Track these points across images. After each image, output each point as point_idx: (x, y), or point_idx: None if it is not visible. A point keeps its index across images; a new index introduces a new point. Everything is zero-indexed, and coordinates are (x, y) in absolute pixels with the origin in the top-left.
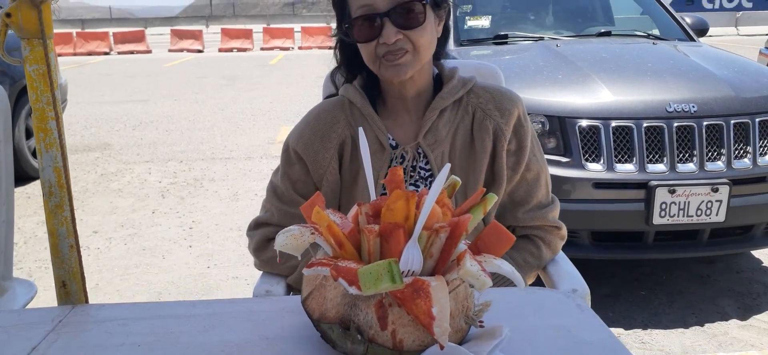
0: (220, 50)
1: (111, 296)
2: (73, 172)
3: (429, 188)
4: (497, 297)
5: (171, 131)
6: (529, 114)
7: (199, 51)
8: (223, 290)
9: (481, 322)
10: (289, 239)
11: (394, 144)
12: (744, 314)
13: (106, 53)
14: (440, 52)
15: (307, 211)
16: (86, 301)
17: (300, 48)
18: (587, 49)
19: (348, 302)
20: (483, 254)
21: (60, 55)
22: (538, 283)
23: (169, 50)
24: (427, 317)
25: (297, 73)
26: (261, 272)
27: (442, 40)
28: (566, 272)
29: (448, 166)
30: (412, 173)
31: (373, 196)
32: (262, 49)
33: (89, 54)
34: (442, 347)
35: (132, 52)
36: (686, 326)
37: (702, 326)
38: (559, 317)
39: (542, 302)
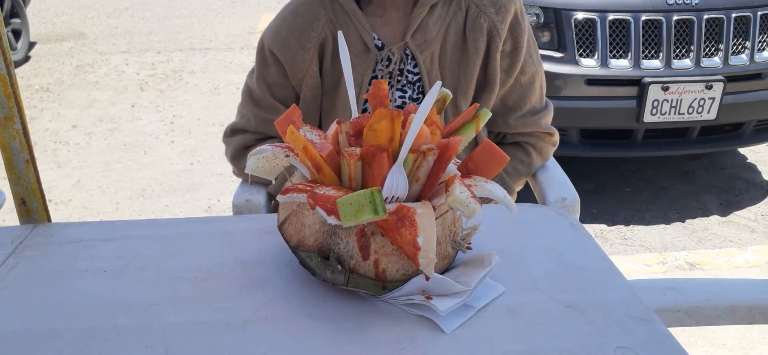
0: None
1: (93, 192)
2: (47, 63)
3: (417, 94)
4: (486, 216)
5: (147, 19)
6: (524, 5)
7: None
8: (208, 187)
9: (469, 245)
10: (261, 162)
11: (379, 44)
12: (725, 210)
13: None
14: None
15: (282, 126)
16: (48, 219)
17: None
18: None
19: (327, 230)
20: (474, 177)
21: None
22: (527, 188)
23: None
24: (412, 247)
25: None
26: (241, 180)
27: None
28: (556, 180)
29: (438, 83)
30: (400, 77)
31: (354, 110)
32: None
33: None
34: (427, 278)
35: None
36: (668, 222)
37: (683, 222)
38: (550, 238)
39: (533, 221)
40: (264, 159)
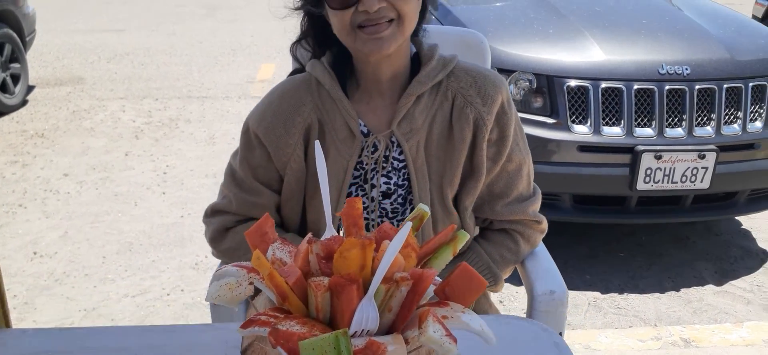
0: None
1: (80, 244)
2: (43, 108)
3: (403, 180)
4: (465, 334)
5: (147, 65)
6: (517, 71)
7: None
8: (196, 242)
9: None
10: (223, 290)
11: (365, 131)
12: (720, 279)
13: None
14: (418, 29)
15: (253, 238)
16: (7, 325)
17: None
18: (581, 0)
19: None
20: (450, 304)
21: None
22: (515, 276)
23: None
24: None
25: (280, 2)
26: (219, 262)
27: (421, 15)
28: (545, 270)
29: (408, 225)
30: (385, 164)
31: (329, 224)
32: None
33: None
34: None
35: None
36: (662, 290)
37: (678, 290)
38: None
39: (515, 337)
40: (226, 286)
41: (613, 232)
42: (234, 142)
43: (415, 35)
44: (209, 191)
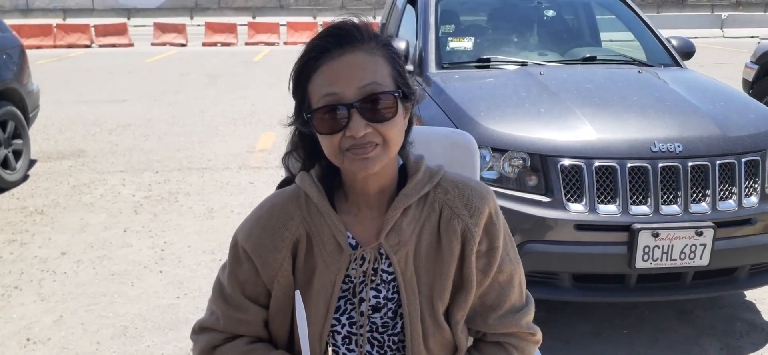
0: (204, 44)
1: (74, 329)
2: (45, 182)
3: (392, 293)
4: None
5: (148, 136)
6: (510, 150)
7: (183, 45)
8: (191, 325)
9: None
10: None
11: (353, 243)
12: None
13: (87, 46)
14: (405, 143)
15: None
16: None
17: (285, 43)
18: (571, 77)
19: None
20: None
21: (39, 47)
22: None
23: (152, 44)
24: None
25: (282, 71)
26: None
27: (407, 131)
28: None
29: None
30: (374, 276)
31: None
32: (246, 44)
33: (70, 47)
34: None
35: (114, 46)
36: None
37: None
38: None
39: None
40: None
41: (615, 307)
42: (232, 215)
43: (403, 148)
44: (207, 268)
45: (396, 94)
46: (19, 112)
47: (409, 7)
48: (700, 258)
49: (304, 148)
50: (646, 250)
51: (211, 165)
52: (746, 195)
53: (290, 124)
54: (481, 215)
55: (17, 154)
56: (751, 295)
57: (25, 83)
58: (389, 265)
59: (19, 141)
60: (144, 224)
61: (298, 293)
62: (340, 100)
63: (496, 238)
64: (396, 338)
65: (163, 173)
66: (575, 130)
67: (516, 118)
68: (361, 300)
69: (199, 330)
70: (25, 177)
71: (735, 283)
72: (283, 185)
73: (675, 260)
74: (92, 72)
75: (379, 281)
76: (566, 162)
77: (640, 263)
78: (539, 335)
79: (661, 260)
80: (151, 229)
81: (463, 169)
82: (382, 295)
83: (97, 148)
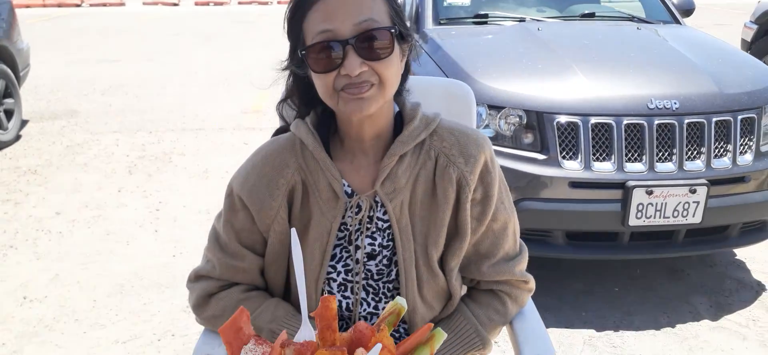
0: (197, 4)
1: (71, 287)
2: (37, 142)
3: (387, 241)
4: None
5: (141, 97)
6: (506, 108)
7: (175, 5)
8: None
9: None
10: None
11: (349, 191)
12: (716, 313)
13: (77, 5)
14: (401, 89)
15: (228, 334)
16: None
17: (279, 2)
18: (569, 33)
19: None
20: None
21: (28, 6)
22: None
23: (143, 3)
24: None
25: (275, 32)
26: (203, 328)
27: (404, 77)
28: (533, 333)
29: (378, 346)
30: (369, 224)
31: (304, 316)
32: (239, 3)
33: (59, 6)
34: None
35: (104, 5)
36: (658, 327)
37: (673, 327)
38: None
39: None
40: None
41: (607, 266)
42: (227, 176)
43: (399, 95)
44: (202, 227)
45: (392, 31)
46: (9, 71)
47: None
48: (693, 216)
49: (299, 94)
50: (640, 207)
51: (206, 126)
52: (741, 153)
53: (285, 68)
54: (476, 163)
55: (9, 114)
56: (741, 254)
57: (14, 41)
58: (384, 212)
59: (10, 100)
60: (138, 184)
61: (293, 230)
62: (335, 37)
63: (491, 186)
64: (391, 286)
65: (157, 134)
66: (572, 87)
67: (513, 75)
68: (357, 248)
69: (194, 278)
70: (18, 137)
71: (726, 241)
72: (278, 133)
73: (668, 217)
74: (83, 32)
75: (374, 229)
76: (562, 119)
77: (633, 221)
78: (532, 284)
79: (654, 217)
80: (146, 189)
81: (460, 120)
82: (377, 242)
83: (89, 108)
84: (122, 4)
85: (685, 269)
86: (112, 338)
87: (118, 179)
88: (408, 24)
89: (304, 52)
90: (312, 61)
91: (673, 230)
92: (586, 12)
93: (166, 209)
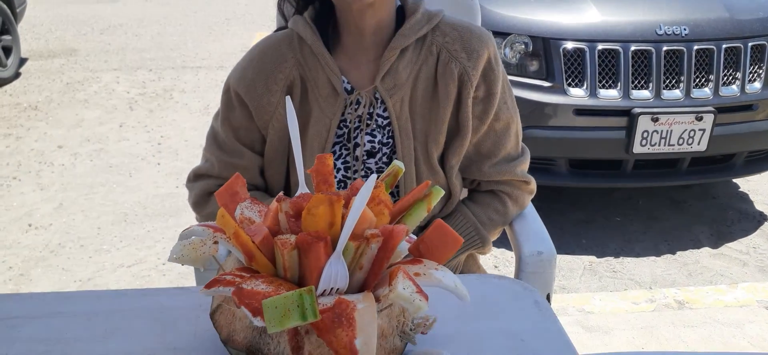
0: None
1: (75, 216)
2: (37, 80)
3: (387, 138)
4: (443, 294)
5: (140, 36)
6: (513, 34)
7: None
8: (191, 213)
9: (423, 330)
10: (187, 250)
11: (349, 88)
12: (716, 241)
13: None
14: None
15: (223, 198)
16: None
17: None
18: None
19: (257, 328)
20: (424, 262)
21: None
22: (504, 237)
23: None
24: (348, 351)
25: None
26: None
27: None
28: (533, 232)
29: (374, 177)
30: (369, 121)
31: (301, 182)
32: None
33: None
34: None
35: None
36: (658, 254)
37: (674, 254)
38: (513, 320)
39: (496, 298)
40: (190, 246)
41: (609, 196)
42: None
43: None
44: None
45: None
46: (5, 6)
47: None
48: (698, 144)
49: None
50: (645, 135)
51: (206, 64)
52: (750, 81)
53: None
54: (479, 59)
55: (7, 51)
56: (744, 186)
57: None
58: (384, 109)
59: (8, 37)
60: (140, 120)
61: (288, 98)
62: None
63: (494, 84)
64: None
65: (157, 71)
66: (579, 13)
67: (519, 1)
68: (356, 145)
69: (194, 178)
70: (17, 74)
71: (731, 170)
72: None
73: (673, 145)
74: None
75: (374, 126)
76: (569, 45)
77: (637, 149)
78: (533, 185)
79: (659, 145)
80: (147, 124)
81: None
82: (377, 140)
83: (88, 47)
84: None
85: (688, 201)
86: (117, 263)
87: (119, 114)
88: None
89: None
90: None
91: (677, 159)
92: None
93: (167, 143)
